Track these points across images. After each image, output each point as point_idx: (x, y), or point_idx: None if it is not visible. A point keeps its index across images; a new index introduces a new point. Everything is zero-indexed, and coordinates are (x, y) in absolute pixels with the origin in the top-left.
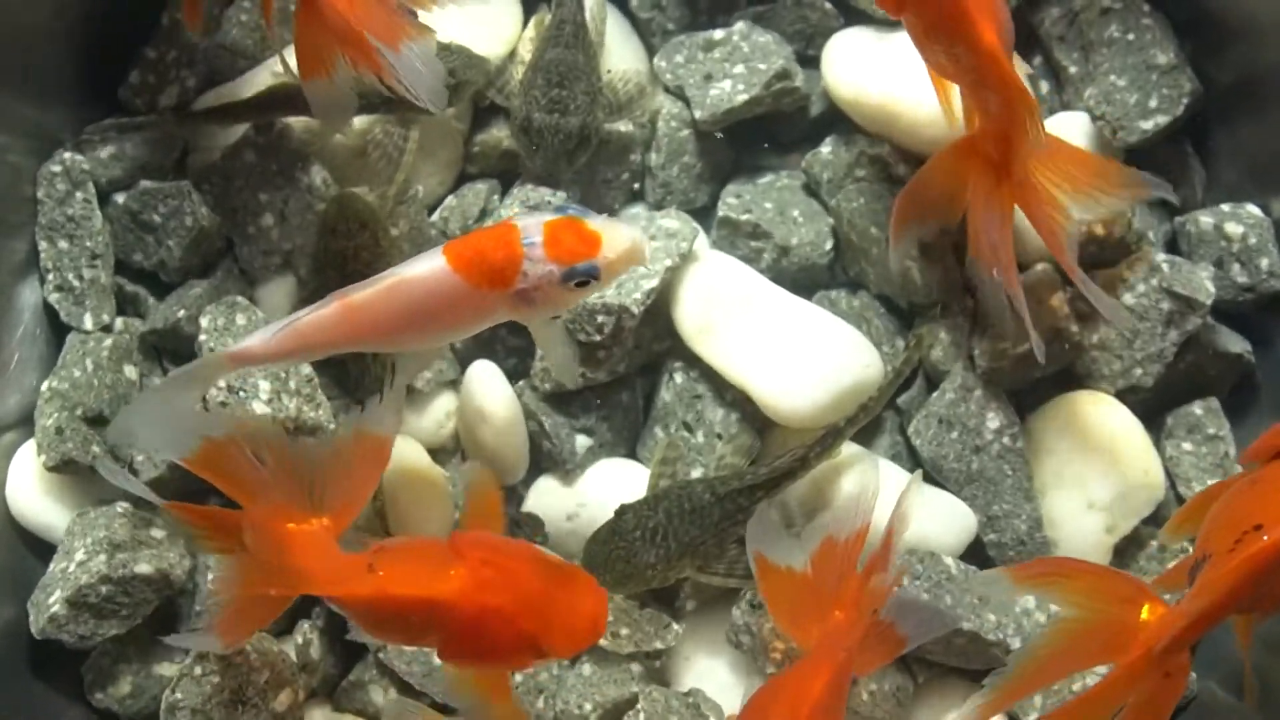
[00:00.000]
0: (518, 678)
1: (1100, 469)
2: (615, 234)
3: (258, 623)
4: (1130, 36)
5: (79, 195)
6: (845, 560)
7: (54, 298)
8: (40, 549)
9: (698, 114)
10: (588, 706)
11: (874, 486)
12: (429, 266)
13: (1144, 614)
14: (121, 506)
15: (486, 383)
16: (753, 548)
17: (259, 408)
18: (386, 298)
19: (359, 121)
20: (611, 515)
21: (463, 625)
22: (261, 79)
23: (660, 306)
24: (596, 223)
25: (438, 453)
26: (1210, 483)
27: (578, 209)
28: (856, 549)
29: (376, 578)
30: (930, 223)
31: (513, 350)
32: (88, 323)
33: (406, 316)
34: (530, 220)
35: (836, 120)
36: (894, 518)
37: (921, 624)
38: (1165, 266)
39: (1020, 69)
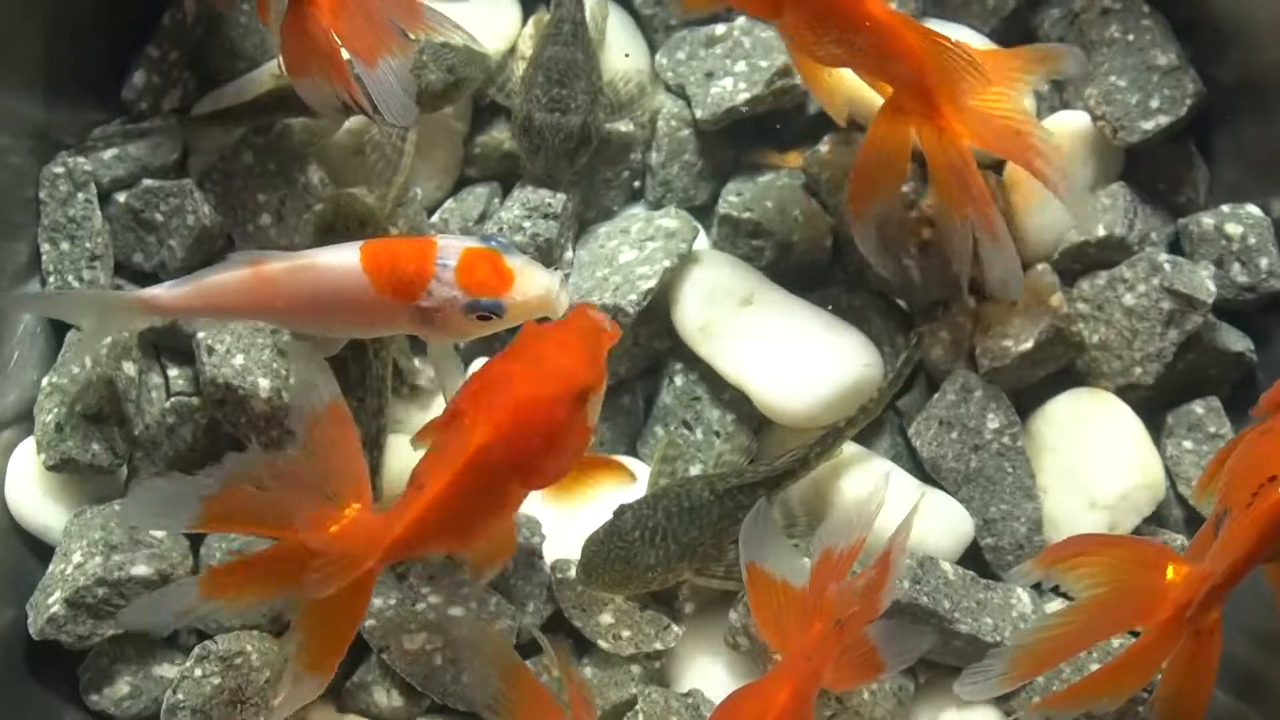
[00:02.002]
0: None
1: (1102, 468)
2: (530, 278)
3: (347, 637)
4: (1130, 37)
5: (81, 196)
6: (837, 574)
7: None
8: (40, 549)
9: (699, 113)
10: None
11: (879, 500)
12: (341, 260)
13: (1169, 575)
14: (119, 505)
15: None
16: (746, 555)
17: (258, 405)
18: (295, 277)
19: (356, 122)
20: (611, 515)
21: (520, 444)
22: (262, 80)
23: (661, 306)
24: (516, 262)
25: None
26: None
27: (502, 243)
28: (848, 563)
29: (430, 489)
30: (886, 196)
31: None
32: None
33: (309, 301)
34: (452, 242)
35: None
36: (895, 541)
37: (903, 651)
38: (1166, 265)
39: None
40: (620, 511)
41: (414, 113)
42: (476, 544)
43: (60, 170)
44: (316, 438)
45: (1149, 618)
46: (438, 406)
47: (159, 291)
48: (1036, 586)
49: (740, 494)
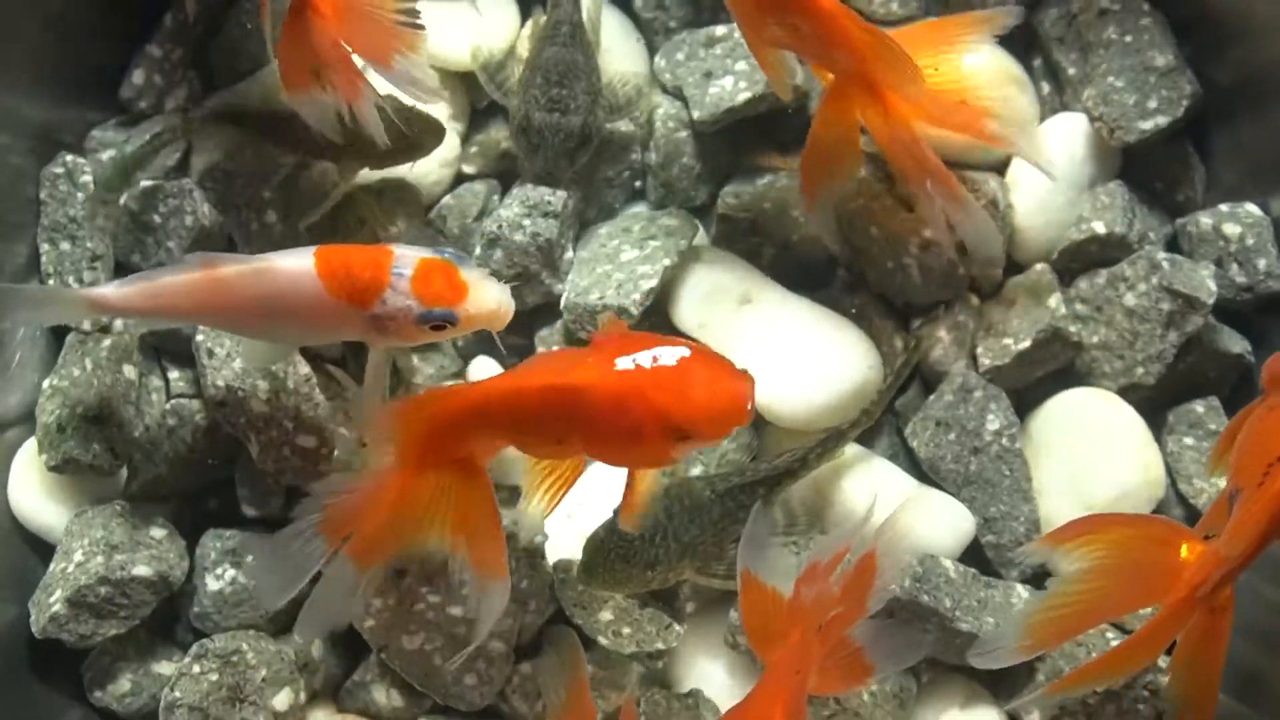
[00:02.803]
0: (515, 680)
1: (1101, 467)
2: (483, 291)
3: (497, 529)
4: (1128, 39)
5: (80, 196)
6: (818, 581)
7: None
8: (41, 549)
9: (696, 114)
10: None
11: (869, 511)
12: (297, 264)
13: (1183, 553)
14: (119, 505)
15: None
16: (743, 562)
17: (257, 406)
18: (248, 281)
19: None
20: (611, 514)
21: (601, 410)
22: (266, 81)
23: (661, 304)
24: (470, 274)
25: None
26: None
27: (456, 255)
28: (829, 572)
29: (513, 375)
30: (840, 178)
31: (512, 349)
32: (86, 324)
33: (262, 305)
34: (408, 252)
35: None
36: (879, 540)
37: (895, 653)
38: (1166, 264)
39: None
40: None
41: (442, 92)
42: (533, 452)
43: (60, 170)
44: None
45: (1161, 595)
46: None
47: (107, 291)
48: (1037, 580)
49: (741, 493)
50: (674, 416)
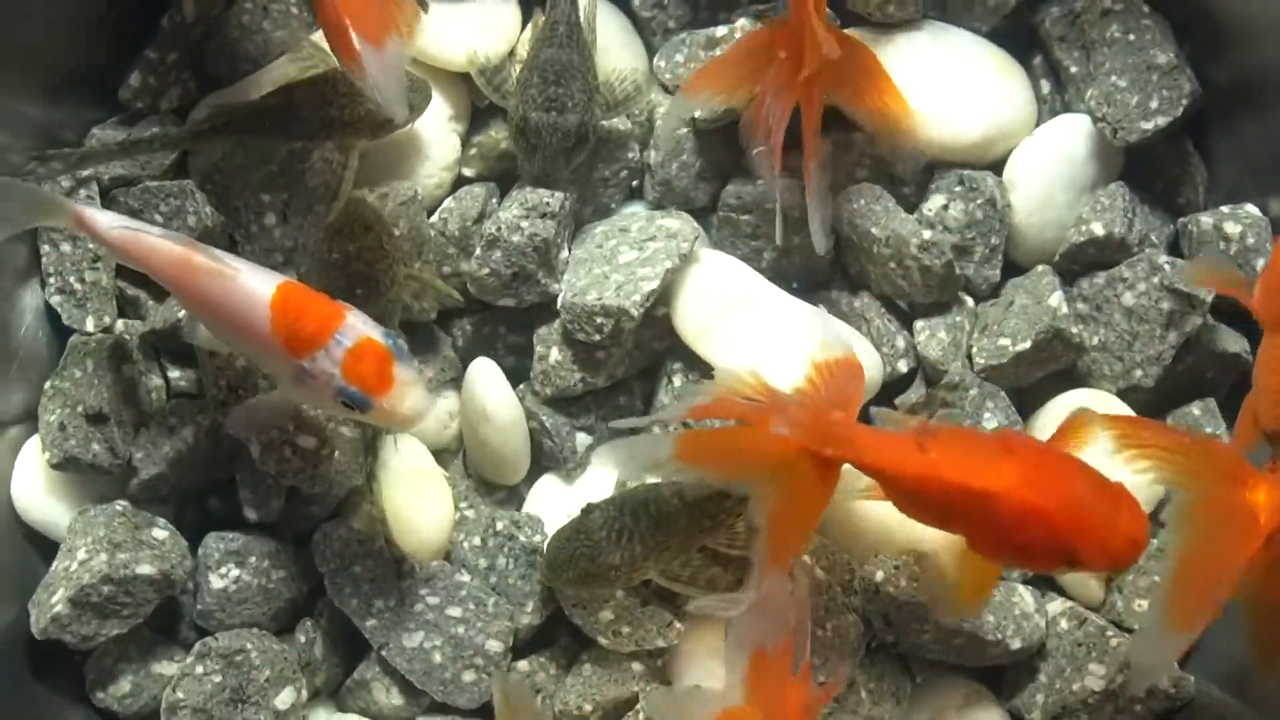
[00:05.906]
0: (512, 676)
1: (1102, 467)
2: (405, 394)
3: (807, 529)
4: (1131, 37)
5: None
6: (781, 671)
7: (55, 300)
8: (44, 547)
9: (698, 113)
10: (587, 707)
11: (785, 590)
12: (257, 286)
13: (1251, 495)
14: (120, 505)
15: (487, 381)
16: None
17: None
18: (210, 278)
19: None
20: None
21: (1003, 521)
22: (262, 83)
23: (661, 306)
24: (404, 374)
25: (442, 453)
26: None
27: (400, 349)
28: (788, 656)
29: (928, 458)
30: (721, 94)
31: (512, 348)
32: (89, 325)
33: (211, 305)
34: (359, 325)
35: (834, 119)
36: (797, 617)
37: None
38: (1166, 266)
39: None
40: (588, 510)
41: (405, 109)
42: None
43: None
44: (825, 376)
45: (1241, 538)
46: (439, 407)
47: (99, 219)
48: (1037, 581)
49: (709, 504)
50: (1073, 547)
